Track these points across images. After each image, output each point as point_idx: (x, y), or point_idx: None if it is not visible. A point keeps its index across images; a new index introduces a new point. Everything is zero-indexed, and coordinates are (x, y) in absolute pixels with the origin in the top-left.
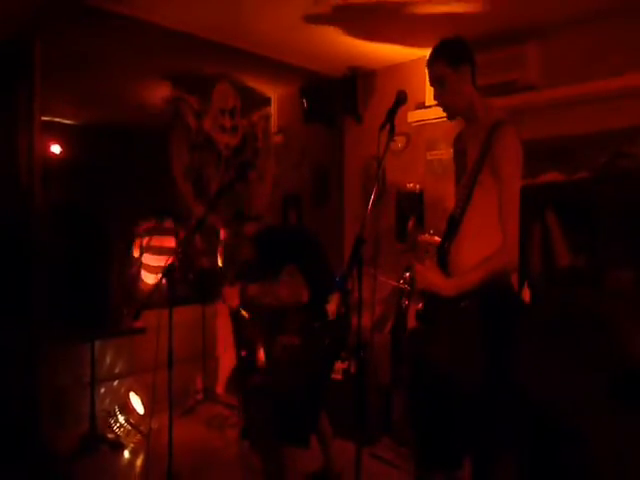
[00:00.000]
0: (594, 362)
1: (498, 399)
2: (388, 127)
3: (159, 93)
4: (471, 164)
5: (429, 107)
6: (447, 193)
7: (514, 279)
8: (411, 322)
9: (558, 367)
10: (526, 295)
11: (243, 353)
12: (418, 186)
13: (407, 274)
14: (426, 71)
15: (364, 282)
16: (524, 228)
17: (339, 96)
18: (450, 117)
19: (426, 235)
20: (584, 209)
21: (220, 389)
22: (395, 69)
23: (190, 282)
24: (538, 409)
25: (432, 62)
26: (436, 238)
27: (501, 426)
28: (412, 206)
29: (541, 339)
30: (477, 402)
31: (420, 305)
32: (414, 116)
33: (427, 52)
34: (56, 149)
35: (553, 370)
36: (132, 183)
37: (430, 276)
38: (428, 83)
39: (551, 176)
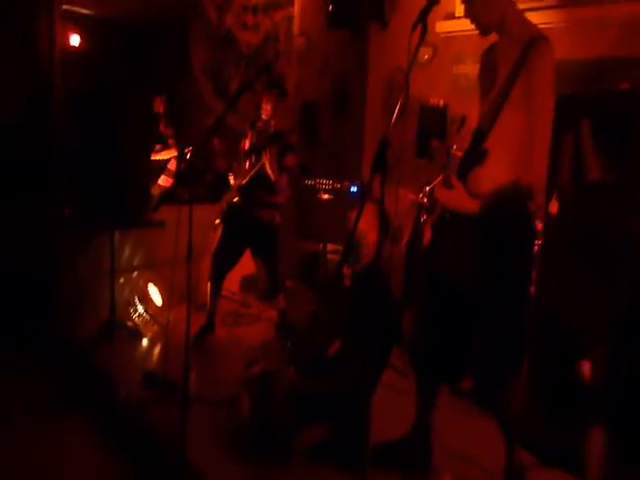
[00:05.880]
0: (614, 282)
1: (508, 310)
2: (419, 29)
3: None
4: (502, 79)
5: (459, 18)
6: (471, 110)
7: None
8: (427, 237)
9: (578, 282)
10: (554, 207)
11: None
12: (442, 101)
13: (427, 188)
14: None
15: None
16: (557, 138)
17: (365, 0)
18: (483, 33)
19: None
20: (621, 122)
21: (235, 287)
22: None
23: (207, 183)
24: (554, 323)
25: None
26: (459, 153)
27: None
28: (435, 122)
29: (564, 252)
30: (487, 313)
31: (435, 216)
32: (443, 27)
33: None
34: (75, 39)
35: (572, 285)
36: (150, 76)
37: (454, 197)
38: None
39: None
